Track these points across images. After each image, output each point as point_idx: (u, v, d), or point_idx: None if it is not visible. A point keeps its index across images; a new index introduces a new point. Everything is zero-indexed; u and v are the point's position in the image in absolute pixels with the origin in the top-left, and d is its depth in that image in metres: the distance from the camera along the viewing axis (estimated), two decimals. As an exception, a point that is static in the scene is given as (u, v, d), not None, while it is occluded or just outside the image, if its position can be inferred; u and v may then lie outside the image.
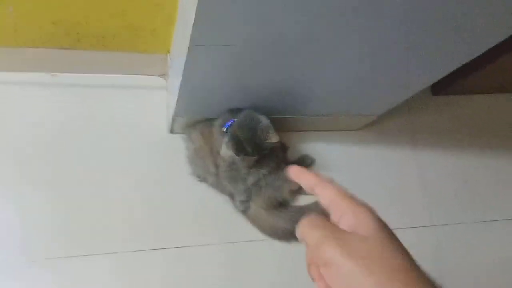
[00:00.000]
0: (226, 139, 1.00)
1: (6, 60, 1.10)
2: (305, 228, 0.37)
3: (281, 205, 1.17)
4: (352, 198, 0.36)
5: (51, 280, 1.04)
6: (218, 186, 1.16)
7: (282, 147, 1.23)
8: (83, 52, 1.09)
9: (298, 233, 0.37)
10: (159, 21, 1.01)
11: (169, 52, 1.11)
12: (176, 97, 0.98)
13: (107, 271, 1.06)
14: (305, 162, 1.26)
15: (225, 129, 1.02)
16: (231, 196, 1.17)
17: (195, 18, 0.65)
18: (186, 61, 0.80)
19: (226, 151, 1.01)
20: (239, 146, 0.98)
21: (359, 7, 0.67)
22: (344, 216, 0.35)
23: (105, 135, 1.15)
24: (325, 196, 0.38)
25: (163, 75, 1.19)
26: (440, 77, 1.00)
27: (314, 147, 1.29)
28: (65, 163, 1.11)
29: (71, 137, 1.13)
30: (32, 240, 1.05)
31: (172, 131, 1.18)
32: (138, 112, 1.19)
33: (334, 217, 0.37)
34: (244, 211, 1.16)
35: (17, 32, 1.02)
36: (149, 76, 1.19)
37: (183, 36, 0.79)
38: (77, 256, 1.05)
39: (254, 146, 0.98)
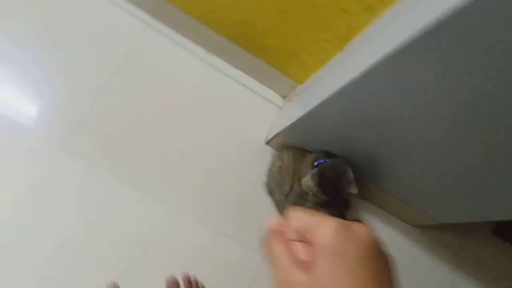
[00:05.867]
0: (314, 171, 1.11)
1: (191, 30, 1.30)
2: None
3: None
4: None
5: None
6: (280, 205, 1.28)
7: (346, 203, 1.33)
8: (240, 50, 1.27)
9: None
10: (313, 59, 1.15)
11: (302, 83, 1.28)
12: (291, 121, 1.13)
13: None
14: None
15: (316, 163, 1.13)
16: None
17: (361, 74, 0.78)
18: (323, 101, 0.94)
19: (308, 180, 1.12)
20: (322, 182, 1.10)
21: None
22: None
23: (214, 116, 1.33)
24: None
25: (285, 97, 1.39)
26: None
27: (369, 219, 1.38)
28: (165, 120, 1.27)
29: (186, 105, 1.31)
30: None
31: (268, 142, 1.34)
32: (249, 113, 1.37)
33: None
34: None
35: (213, 14, 1.19)
36: (273, 91, 1.40)
37: (333, 80, 0.93)
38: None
39: (333, 188, 1.11)
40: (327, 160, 1.16)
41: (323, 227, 0.34)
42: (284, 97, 1.41)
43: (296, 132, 1.22)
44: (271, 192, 1.30)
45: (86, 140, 1.20)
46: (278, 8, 1.05)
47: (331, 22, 1.01)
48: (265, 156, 1.33)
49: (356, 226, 0.34)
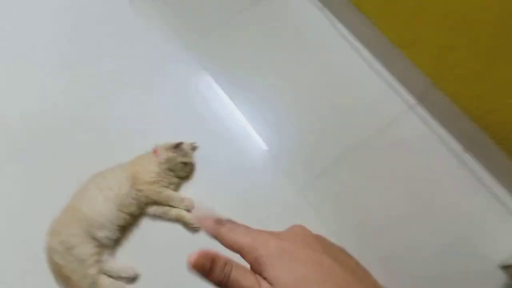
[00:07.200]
0: None
1: (456, 124, 1.30)
2: None
3: None
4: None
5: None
6: None
7: None
8: (504, 156, 1.20)
9: None
10: None
11: None
12: None
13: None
14: None
15: None
16: None
17: None
18: None
19: None
20: None
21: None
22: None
23: (449, 218, 1.24)
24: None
25: None
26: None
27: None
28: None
29: (427, 201, 1.26)
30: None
31: (503, 267, 1.17)
32: (489, 226, 1.23)
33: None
34: None
35: (491, 114, 1.14)
36: None
37: None
38: None
39: None
40: None
41: (266, 243, 0.33)
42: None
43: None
44: None
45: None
46: None
47: None
48: (493, 281, 1.14)
49: (292, 228, 0.36)
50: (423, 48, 1.24)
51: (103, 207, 1.13)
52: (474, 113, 1.19)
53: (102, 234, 1.12)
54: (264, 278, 0.32)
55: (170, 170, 1.21)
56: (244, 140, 1.34)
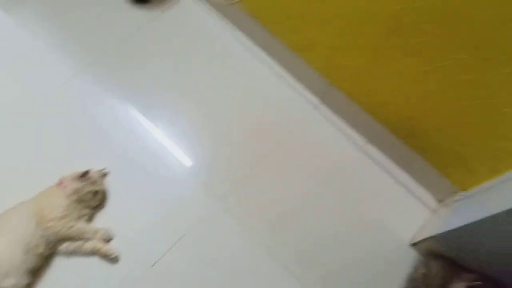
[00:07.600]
0: None
1: (355, 118, 1.37)
2: None
3: None
4: None
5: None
6: None
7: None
8: (402, 145, 1.27)
9: None
10: (485, 168, 1.08)
11: (465, 191, 1.20)
12: (445, 229, 1.07)
13: None
14: None
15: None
16: None
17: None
18: (490, 216, 0.87)
19: None
20: None
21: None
22: None
23: (360, 205, 1.32)
24: None
25: (441, 201, 1.32)
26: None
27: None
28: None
29: (336, 189, 1.34)
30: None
31: (413, 244, 1.27)
32: (397, 210, 1.33)
33: None
34: None
35: (383, 107, 1.23)
36: (429, 192, 1.35)
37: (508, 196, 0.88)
38: None
39: None
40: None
41: None
42: (440, 201, 1.32)
43: (450, 242, 1.11)
44: None
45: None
46: (458, 109, 1.02)
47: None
48: (407, 259, 1.23)
49: None
50: (316, 50, 1.31)
51: (7, 252, 1.03)
52: (369, 107, 1.28)
53: (8, 283, 1.02)
54: None
55: (80, 201, 1.15)
56: (159, 158, 1.31)
